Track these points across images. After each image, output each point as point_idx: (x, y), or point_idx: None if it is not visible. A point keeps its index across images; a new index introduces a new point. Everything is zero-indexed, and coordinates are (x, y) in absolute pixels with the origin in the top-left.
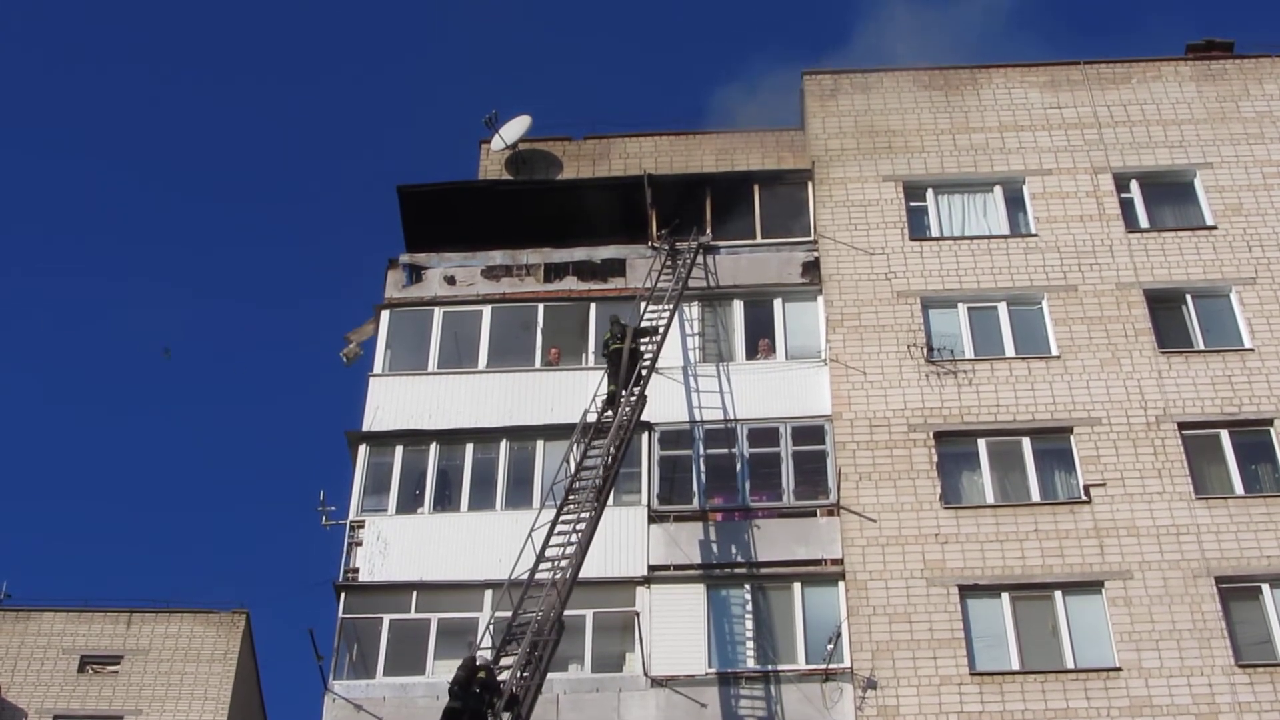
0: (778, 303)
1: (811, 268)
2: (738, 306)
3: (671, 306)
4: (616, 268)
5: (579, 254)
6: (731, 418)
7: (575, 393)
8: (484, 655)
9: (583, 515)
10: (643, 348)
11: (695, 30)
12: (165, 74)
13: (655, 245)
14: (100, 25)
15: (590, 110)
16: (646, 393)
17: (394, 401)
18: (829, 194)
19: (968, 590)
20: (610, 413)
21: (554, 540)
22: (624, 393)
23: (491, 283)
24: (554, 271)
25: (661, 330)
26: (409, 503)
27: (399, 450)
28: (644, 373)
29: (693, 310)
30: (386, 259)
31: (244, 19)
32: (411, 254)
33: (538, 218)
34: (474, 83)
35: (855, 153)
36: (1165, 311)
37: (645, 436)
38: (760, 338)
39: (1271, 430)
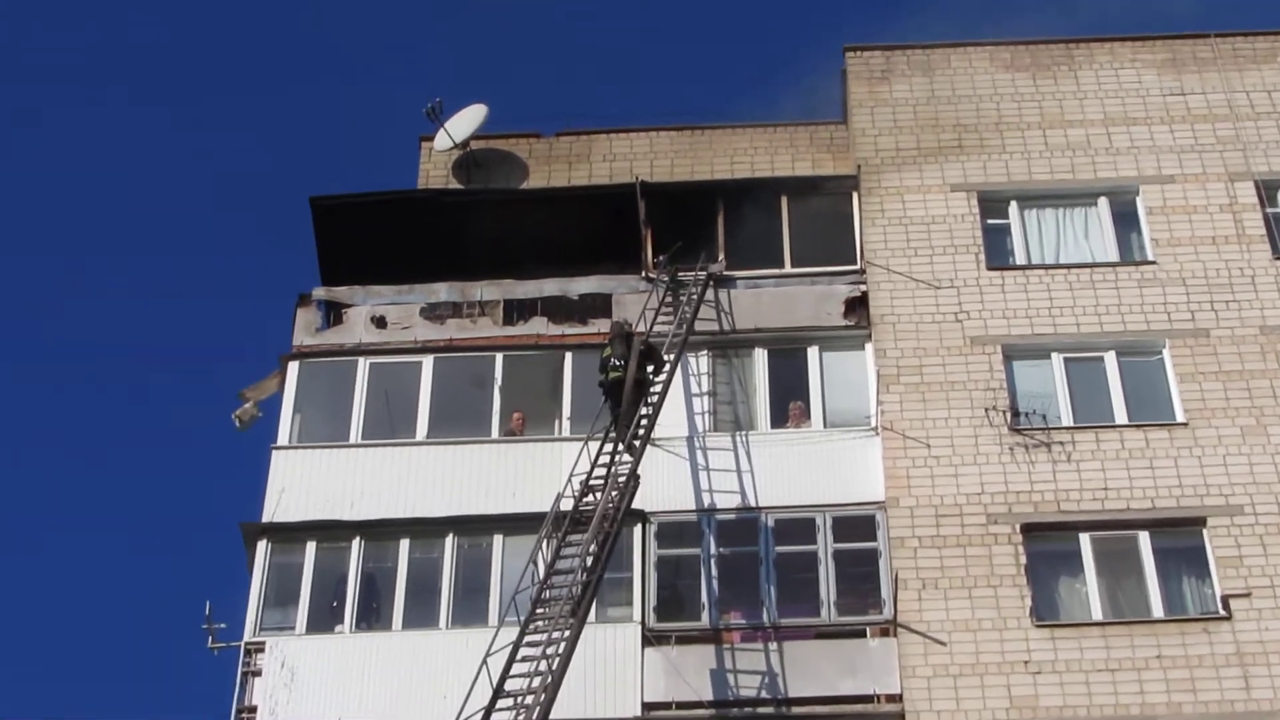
0: (813, 352)
1: (858, 306)
2: (760, 357)
3: (673, 357)
4: (599, 305)
5: (550, 287)
6: (753, 505)
7: (545, 471)
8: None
9: (555, 635)
10: (651, 378)
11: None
12: None
13: (651, 276)
14: None
15: (565, 99)
16: (639, 470)
17: (305, 482)
18: (880, 208)
19: None
20: (592, 496)
21: (517, 669)
22: (619, 451)
23: (434, 325)
24: (517, 310)
25: (660, 383)
26: (324, 619)
27: (311, 548)
28: (638, 436)
29: (700, 362)
30: (296, 294)
31: None
32: (329, 288)
33: (496, 240)
34: (412, 62)
35: (915, 154)
36: None
37: (639, 530)
38: (790, 399)
39: None
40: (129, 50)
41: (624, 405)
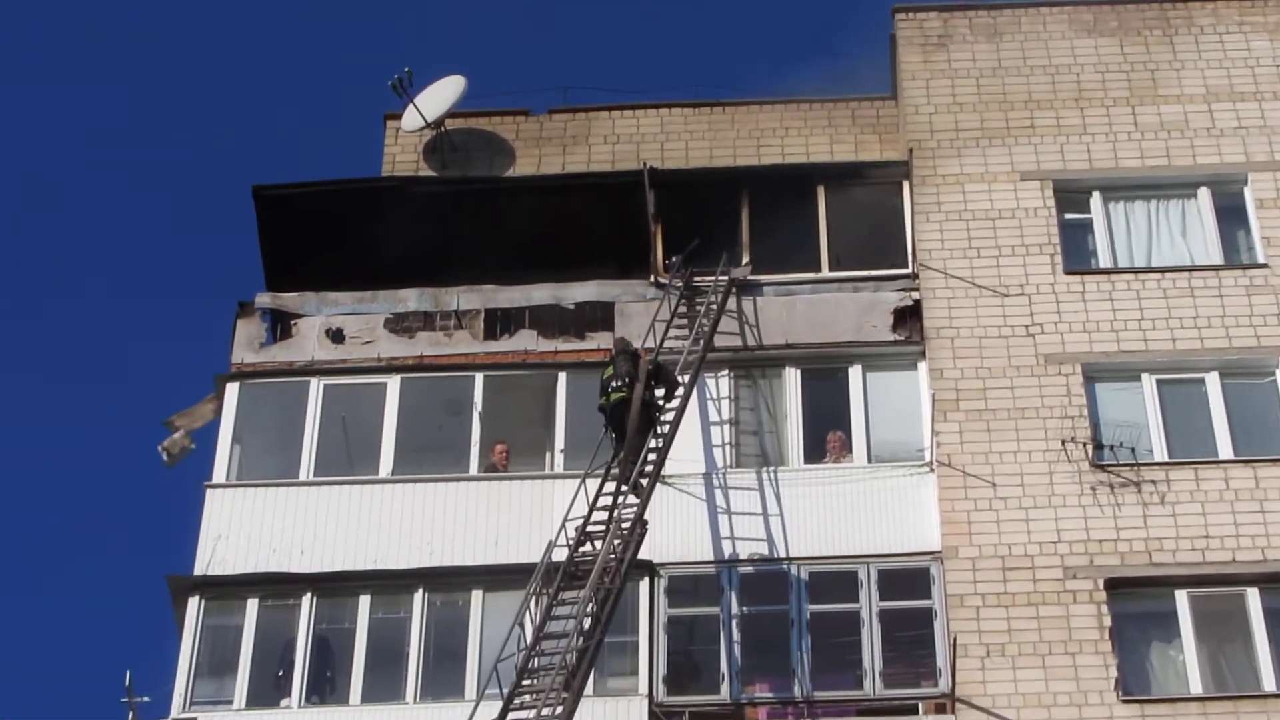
0: (855, 373)
1: (909, 317)
2: (792, 379)
3: (688, 378)
4: (599, 316)
5: (540, 295)
6: (782, 555)
7: (533, 514)
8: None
9: (546, 713)
10: (660, 402)
11: None
12: None
13: (661, 281)
14: None
15: (559, 69)
16: (647, 514)
17: (245, 527)
18: (936, 200)
19: None
20: (591, 544)
21: None
22: (623, 491)
23: (402, 339)
24: (501, 322)
25: (672, 409)
26: (267, 691)
27: (252, 606)
28: (645, 473)
29: (720, 384)
30: (235, 302)
31: None
32: (275, 294)
33: (476, 238)
34: (375, 24)
35: (978, 135)
36: None
37: (646, 585)
38: (828, 429)
39: None
40: (39, 11)
41: (629, 434)
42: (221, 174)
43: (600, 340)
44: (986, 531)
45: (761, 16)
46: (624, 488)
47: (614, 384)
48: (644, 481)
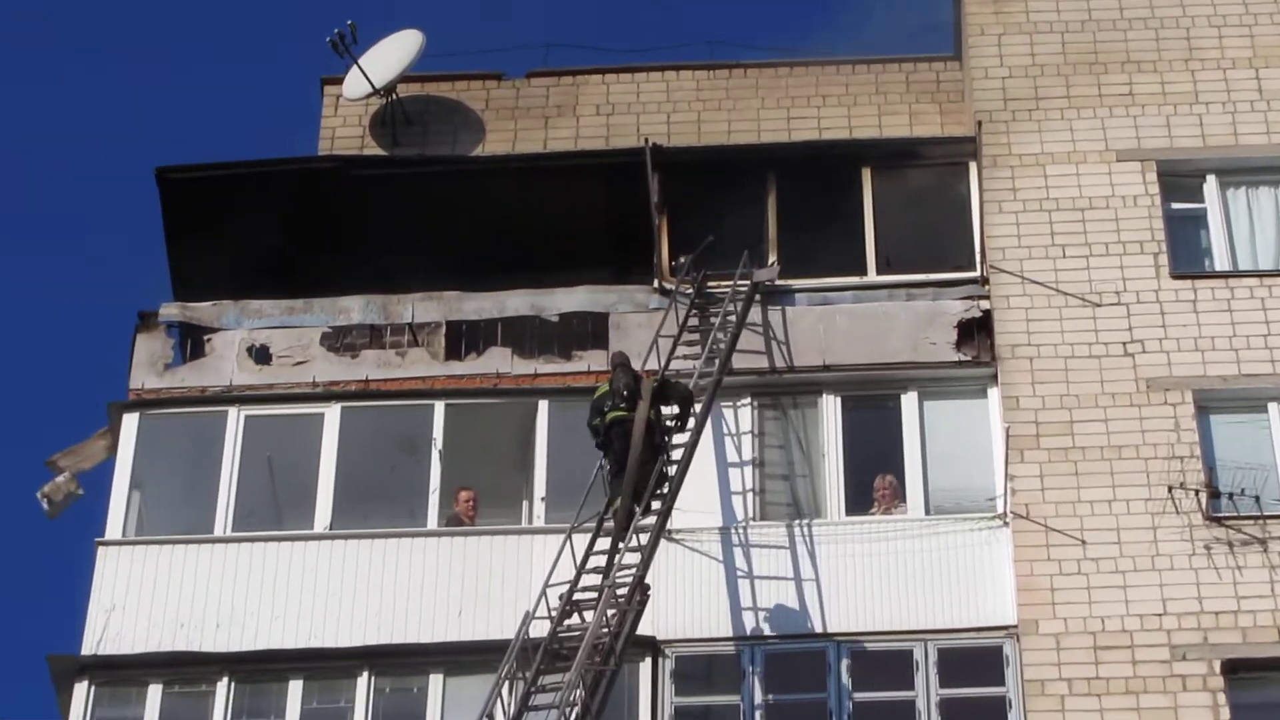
0: (909, 401)
1: (976, 332)
2: (830, 409)
3: (700, 407)
4: (589, 330)
5: (516, 304)
6: (818, 630)
7: (507, 578)
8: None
9: None
10: (671, 424)
11: None
12: None
13: (667, 286)
14: None
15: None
16: (649, 577)
17: (146, 595)
18: (1011, 186)
19: None
20: (579, 616)
21: None
22: (620, 548)
23: (343, 359)
24: (467, 338)
25: (682, 441)
26: None
27: (154, 694)
28: (646, 530)
29: (741, 415)
30: (135, 313)
31: None
32: (184, 304)
33: (436, 232)
34: None
35: (1062, 104)
36: None
37: (648, 666)
38: (875, 471)
39: None
40: None
41: (629, 465)
42: (115, 153)
43: (591, 361)
44: (1074, 601)
45: None
46: (621, 544)
47: (610, 401)
48: (645, 536)
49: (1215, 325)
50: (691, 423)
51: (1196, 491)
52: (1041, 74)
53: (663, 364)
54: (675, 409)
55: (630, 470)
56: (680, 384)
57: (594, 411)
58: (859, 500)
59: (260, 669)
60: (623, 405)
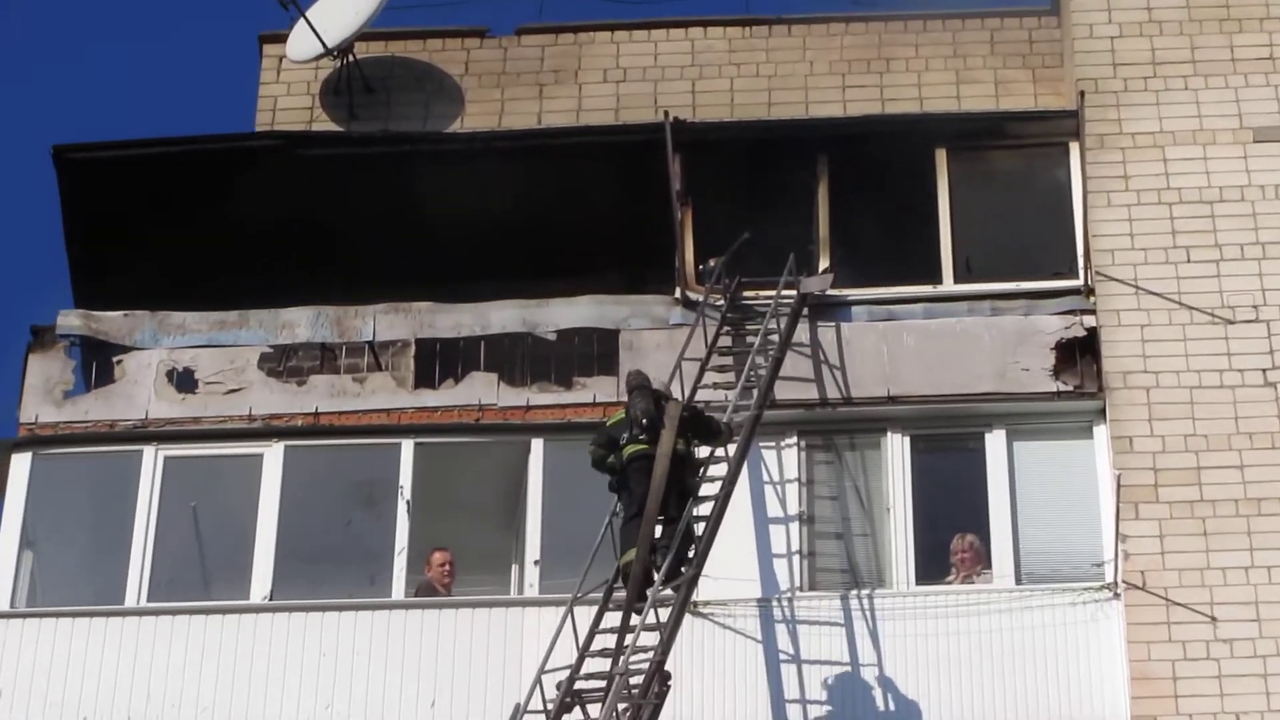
0: (995, 442)
1: (1079, 355)
2: (896, 451)
3: (736, 445)
4: (595, 351)
5: (504, 318)
6: None
7: (492, 662)
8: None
9: None
10: (702, 461)
11: None
12: None
13: (693, 296)
14: None
15: None
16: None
17: (39, 679)
18: (1122, 173)
19: None
20: (582, 711)
21: None
22: (633, 625)
23: (287, 386)
24: (443, 360)
25: (715, 495)
26: None
27: None
28: (668, 602)
29: (785, 459)
30: (27, 327)
31: None
32: (89, 312)
33: (403, 228)
34: None
35: (1186, 72)
36: None
37: None
38: (954, 529)
39: None
40: None
41: (646, 514)
42: (8, 128)
43: (597, 389)
44: (1202, 693)
45: None
46: (635, 619)
47: (628, 433)
48: (667, 611)
49: None
50: (725, 471)
51: None
52: (1160, 33)
53: (687, 394)
54: (704, 449)
55: (648, 517)
56: (713, 418)
57: (607, 445)
58: (932, 566)
59: None
60: (642, 437)
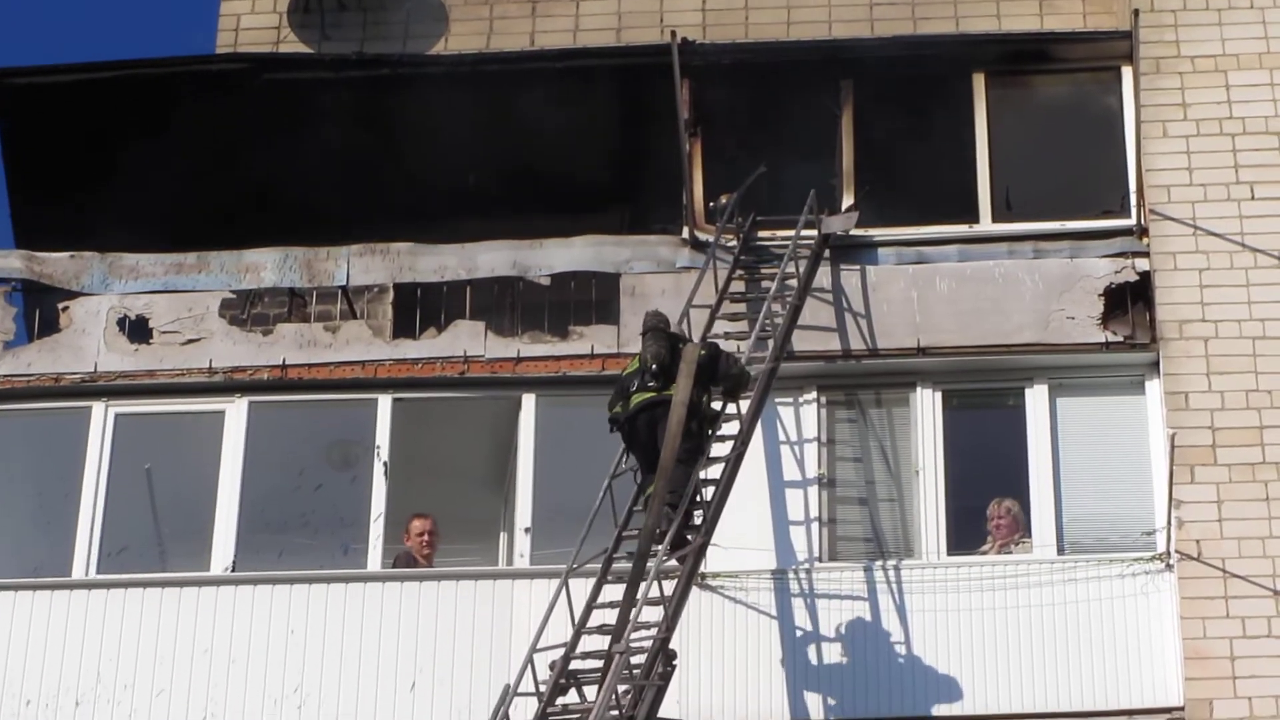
0: (1036, 398)
1: (1131, 302)
2: (927, 406)
3: (749, 400)
4: (593, 297)
5: (493, 259)
6: (915, 714)
7: (478, 638)
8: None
9: None
10: (717, 414)
11: None
12: None
13: (701, 235)
14: None
15: None
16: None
17: None
18: (1180, 100)
19: None
20: (577, 692)
21: None
22: (636, 599)
23: (250, 337)
24: (424, 307)
25: (726, 455)
26: None
27: None
28: (673, 573)
29: (804, 415)
30: None
31: None
32: (32, 253)
33: (380, 162)
34: None
35: None
36: None
37: None
38: (991, 494)
39: None
40: None
41: (661, 467)
42: None
43: (595, 340)
44: (1263, 674)
45: None
46: (638, 591)
47: (638, 380)
48: (672, 583)
49: None
50: (741, 424)
51: None
52: None
53: (699, 340)
54: (718, 400)
55: (663, 469)
56: (734, 362)
57: (617, 395)
58: (965, 534)
59: None
60: (652, 384)
